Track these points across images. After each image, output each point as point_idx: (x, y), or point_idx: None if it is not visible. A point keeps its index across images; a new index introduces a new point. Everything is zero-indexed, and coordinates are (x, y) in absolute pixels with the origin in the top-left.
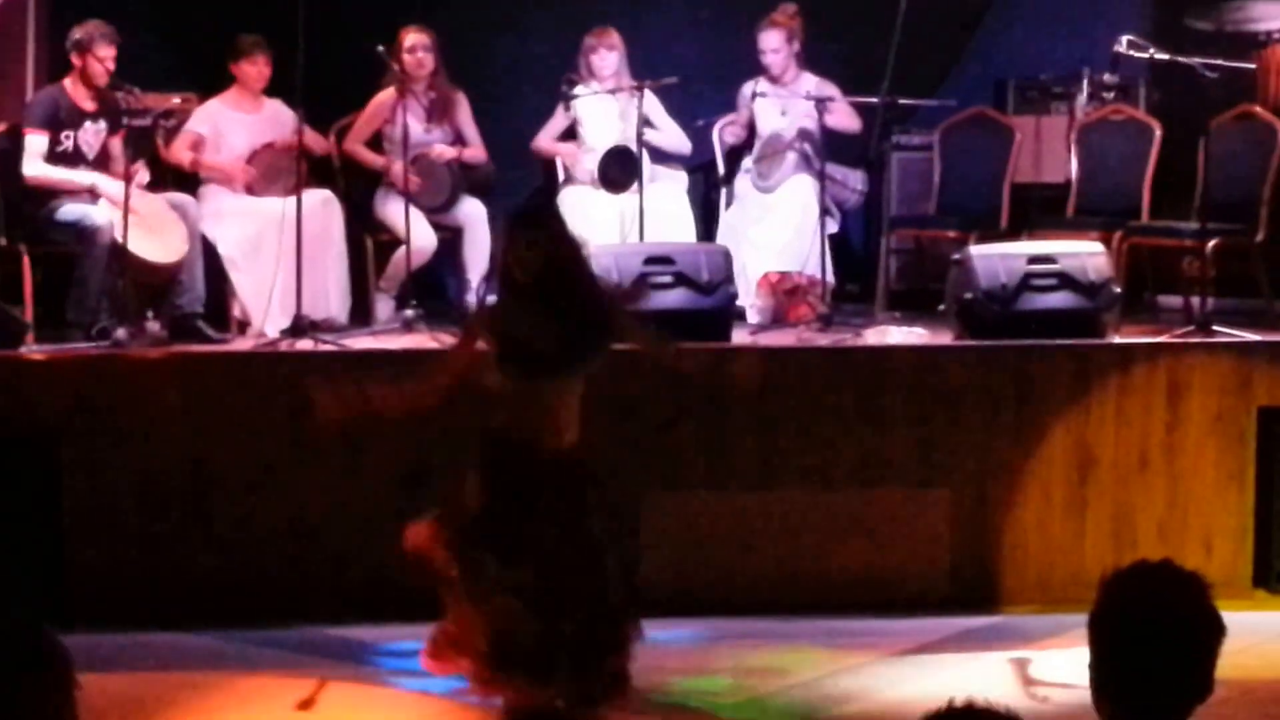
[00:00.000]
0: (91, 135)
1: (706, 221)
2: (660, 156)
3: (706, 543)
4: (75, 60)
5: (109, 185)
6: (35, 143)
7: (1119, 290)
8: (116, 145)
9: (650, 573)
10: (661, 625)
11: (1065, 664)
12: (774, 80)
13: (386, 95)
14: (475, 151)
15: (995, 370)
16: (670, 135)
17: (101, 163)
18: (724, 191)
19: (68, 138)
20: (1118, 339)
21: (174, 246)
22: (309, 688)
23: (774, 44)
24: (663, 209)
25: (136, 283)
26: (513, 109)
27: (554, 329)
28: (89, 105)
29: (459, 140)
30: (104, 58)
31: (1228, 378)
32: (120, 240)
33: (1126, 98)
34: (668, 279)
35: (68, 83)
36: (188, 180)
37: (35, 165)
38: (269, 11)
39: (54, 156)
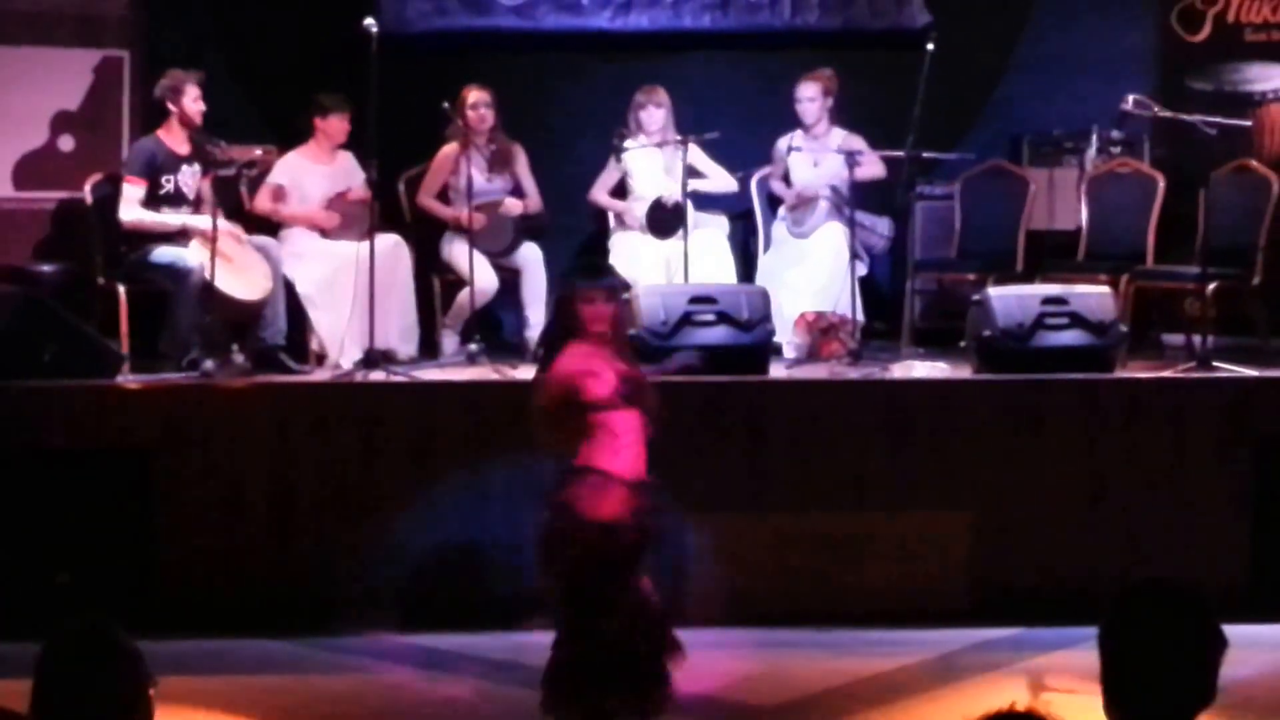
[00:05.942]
0: (189, 177)
1: (746, 265)
2: (703, 204)
3: (745, 560)
4: (170, 106)
5: (198, 223)
6: (132, 190)
7: (1125, 329)
8: (207, 188)
9: (694, 589)
10: (704, 635)
11: (1077, 673)
12: (806, 129)
13: (450, 149)
14: (533, 202)
15: (1012, 402)
16: (717, 179)
17: (199, 203)
18: (762, 237)
19: (168, 181)
20: (1125, 374)
21: (259, 284)
22: None
23: (810, 93)
24: (705, 253)
25: (224, 318)
26: (568, 160)
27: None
28: (183, 149)
29: (517, 188)
30: (194, 97)
31: (1227, 410)
32: (209, 279)
33: (1132, 152)
34: (710, 317)
35: (162, 132)
36: (270, 225)
37: (132, 211)
38: (341, 70)
39: (157, 199)
